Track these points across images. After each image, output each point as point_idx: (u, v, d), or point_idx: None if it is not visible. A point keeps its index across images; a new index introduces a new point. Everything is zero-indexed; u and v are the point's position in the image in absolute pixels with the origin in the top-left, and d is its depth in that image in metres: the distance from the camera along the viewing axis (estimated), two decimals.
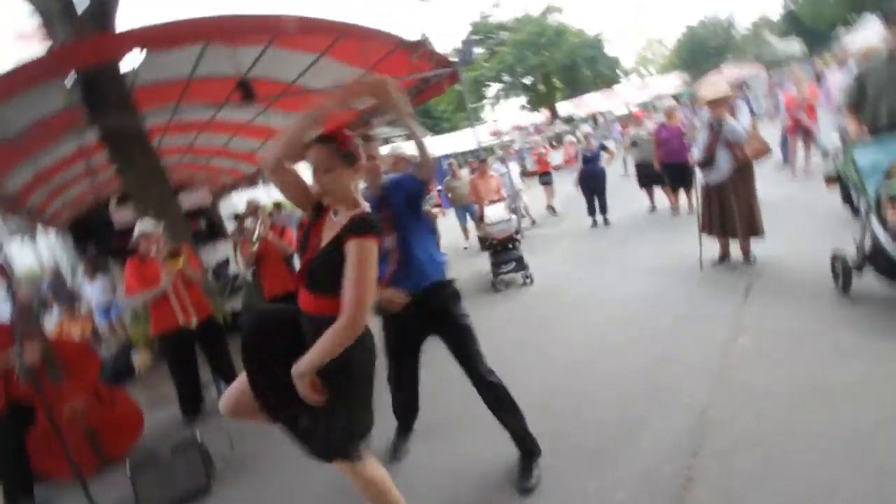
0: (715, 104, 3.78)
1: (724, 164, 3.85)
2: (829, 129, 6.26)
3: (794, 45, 28.73)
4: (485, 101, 25.93)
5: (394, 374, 2.37)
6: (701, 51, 29.05)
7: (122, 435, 3.39)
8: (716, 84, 3.92)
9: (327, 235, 1.58)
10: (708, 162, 3.92)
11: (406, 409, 2.47)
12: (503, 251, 5.18)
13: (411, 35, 6.21)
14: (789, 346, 2.59)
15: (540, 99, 25.70)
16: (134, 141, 5.58)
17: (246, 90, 5.40)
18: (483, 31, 24.95)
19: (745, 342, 2.74)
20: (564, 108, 29.48)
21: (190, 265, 3.74)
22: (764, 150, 3.84)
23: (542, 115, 27.39)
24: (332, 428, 1.51)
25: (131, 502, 2.55)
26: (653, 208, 6.99)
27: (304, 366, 1.44)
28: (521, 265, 5.09)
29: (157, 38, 4.36)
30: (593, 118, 24.15)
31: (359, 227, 1.49)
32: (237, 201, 19.59)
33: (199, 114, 8.41)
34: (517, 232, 5.39)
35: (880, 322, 2.57)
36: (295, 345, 1.53)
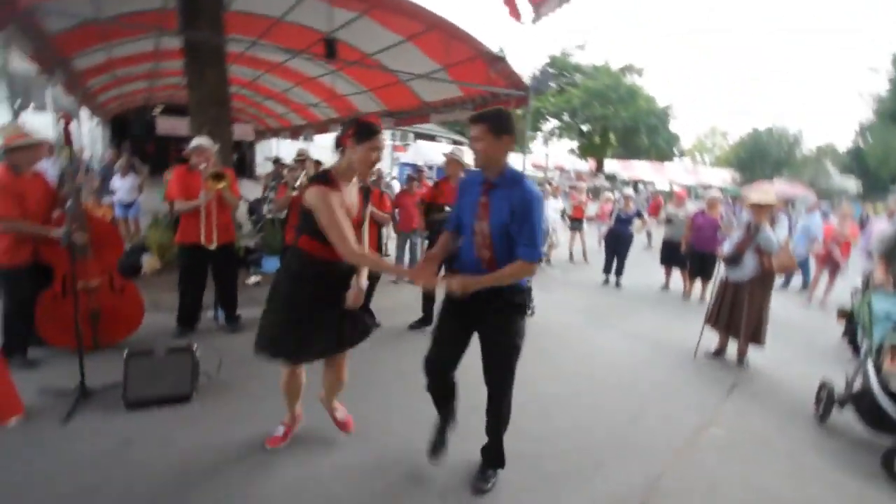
0: (758, 209, 3.92)
1: (749, 265, 3.97)
2: (857, 270, 6.33)
3: (851, 183, 28.71)
4: (538, 133, 26.22)
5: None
6: (760, 157, 29.12)
7: (120, 324, 3.56)
8: (765, 191, 4.05)
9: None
10: (735, 260, 4.05)
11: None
12: None
13: (490, 46, 6.40)
14: (756, 449, 2.70)
15: (591, 149, 25.93)
16: (211, 59, 5.82)
17: (330, 47, 5.61)
18: (559, 67, 25.30)
19: (716, 432, 2.86)
20: (610, 165, 29.75)
21: (230, 190, 3.91)
22: (790, 266, 3.97)
23: (586, 165, 27.64)
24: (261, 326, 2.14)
25: (118, 386, 2.72)
26: (666, 287, 7.09)
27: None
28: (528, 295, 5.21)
29: None
30: (635, 184, 24.33)
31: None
32: (275, 147, 19.98)
33: (272, 55, 8.71)
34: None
35: (845, 457, 2.67)
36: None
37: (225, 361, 3.16)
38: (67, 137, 3.13)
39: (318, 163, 10.20)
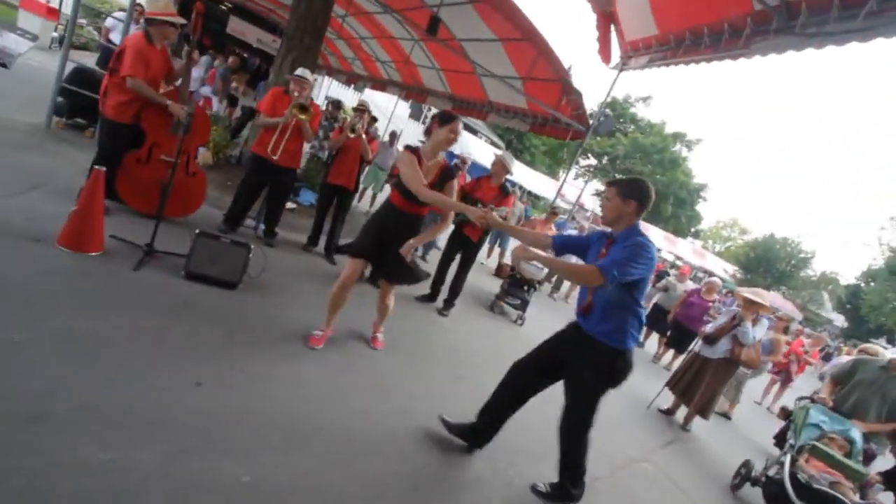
0: (749, 304, 4.42)
1: (721, 348, 4.48)
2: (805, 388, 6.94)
3: (840, 319, 29.57)
4: (574, 168, 26.66)
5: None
6: (766, 263, 29.75)
7: (182, 203, 3.97)
8: (761, 295, 4.55)
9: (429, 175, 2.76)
10: (712, 340, 4.55)
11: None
12: (517, 287, 5.80)
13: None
14: (675, 492, 3.22)
15: None
16: None
17: (433, 24, 5.94)
18: (618, 112, 25.65)
19: (647, 467, 3.37)
20: None
21: (311, 123, 4.30)
22: (755, 362, 4.47)
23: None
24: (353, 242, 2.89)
25: (178, 256, 3.17)
26: (641, 345, 7.62)
27: None
28: (523, 306, 5.71)
29: None
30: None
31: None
32: (326, 86, 20.09)
33: (367, 2, 8.87)
34: (539, 282, 6.00)
35: None
36: None
37: (269, 268, 3.60)
38: (196, 25, 3.49)
39: (373, 118, 10.56)
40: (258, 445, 1.97)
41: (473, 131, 25.77)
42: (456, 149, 18.08)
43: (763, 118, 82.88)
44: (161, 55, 3.55)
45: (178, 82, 3.71)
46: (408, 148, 2.83)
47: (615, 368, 2.23)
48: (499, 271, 8.26)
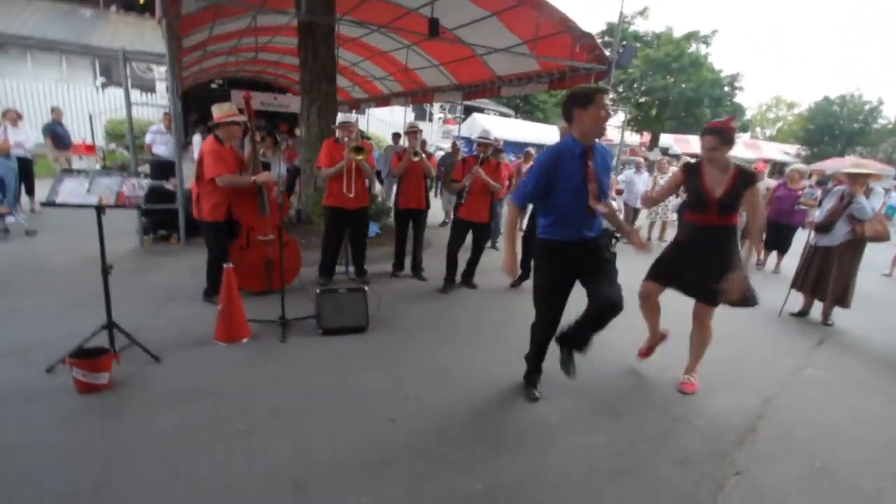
0: (854, 179, 4.15)
1: (839, 232, 4.24)
2: None
3: None
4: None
5: (553, 300, 2.55)
6: (829, 130, 27.17)
7: (285, 272, 4.30)
8: (864, 165, 4.26)
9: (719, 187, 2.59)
10: (826, 228, 4.32)
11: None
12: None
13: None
14: (851, 386, 3.14)
15: (647, 122, 25.12)
16: (326, 39, 6.39)
17: (434, 26, 6.01)
18: (617, 36, 24.38)
19: (812, 372, 3.29)
20: (665, 139, 28.74)
21: (367, 161, 4.51)
22: (883, 234, 4.19)
23: (639, 138, 26.89)
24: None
25: (306, 318, 3.47)
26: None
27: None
28: (614, 259, 5.65)
29: None
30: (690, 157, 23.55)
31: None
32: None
33: (353, 30, 9.04)
34: (616, 232, 5.91)
35: None
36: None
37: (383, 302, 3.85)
38: (250, 112, 3.79)
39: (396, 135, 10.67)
40: (469, 454, 2.16)
41: (479, 110, 25.51)
42: (473, 134, 18.04)
43: None
44: (232, 152, 3.88)
45: (251, 169, 4.02)
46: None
47: (535, 253, 2.58)
48: None
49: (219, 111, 3.68)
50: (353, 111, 19.26)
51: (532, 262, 2.70)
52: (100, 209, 2.71)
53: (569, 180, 2.32)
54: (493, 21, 7.17)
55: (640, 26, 24.79)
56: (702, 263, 2.67)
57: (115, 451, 2.07)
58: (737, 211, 2.61)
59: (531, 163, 7.33)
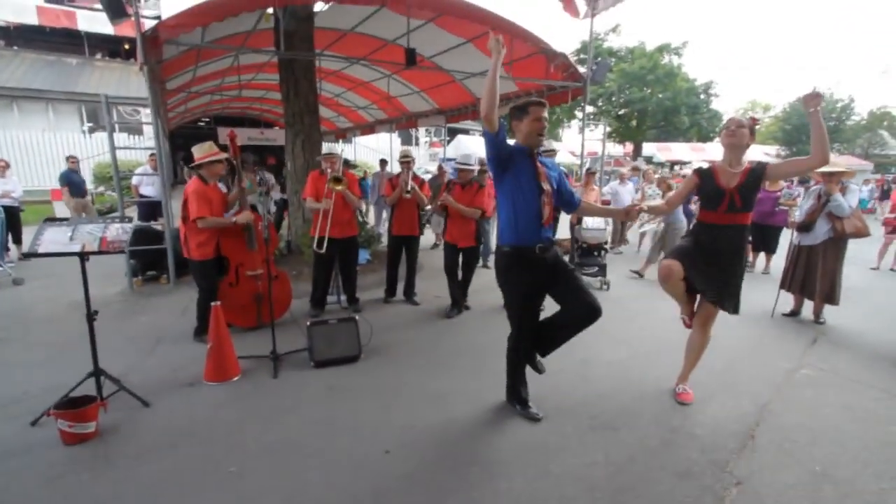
0: (829, 178, 4.25)
1: (820, 231, 4.32)
2: None
3: None
4: (573, 122, 26.22)
5: (527, 315, 2.61)
6: (806, 130, 27.89)
7: (275, 306, 4.26)
8: (835, 163, 4.37)
9: (733, 180, 2.60)
10: (807, 227, 4.40)
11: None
12: (590, 256, 5.80)
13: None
14: (848, 384, 3.13)
15: (628, 133, 25.68)
16: (305, 73, 6.53)
17: (411, 56, 6.17)
18: (593, 53, 25.15)
19: (807, 373, 3.29)
20: (647, 148, 29.32)
21: (351, 190, 4.55)
22: (862, 231, 4.26)
23: (622, 149, 27.40)
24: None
25: (297, 351, 3.43)
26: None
27: None
28: (602, 272, 5.70)
29: None
30: (672, 165, 24.01)
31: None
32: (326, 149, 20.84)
33: (334, 63, 9.29)
34: (606, 242, 5.98)
35: None
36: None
37: (374, 330, 3.83)
38: (235, 150, 3.84)
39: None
40: (465, 481, 2.12)
41: (465, 132, 25.94)
42: (458, 156, 18.25)
43: None
44: (216, 190, 3.91)
45: (237, 206, 4.04)
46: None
47: (499, 266, 2.61)
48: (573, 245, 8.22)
49: (200, 151, 3.72)
50: (340, 140, 19.58)
51: (500, 280, 2.62)
52: (83, 256, 2.70)
53: (524, 174, 2.46)
54: (469, 47, 7.39)
55: (614, 42, 25.61)
56: (719, 264, 2.66)
57: (105, 502, 2.01)
58: (750, 209, 2.62)
59: None
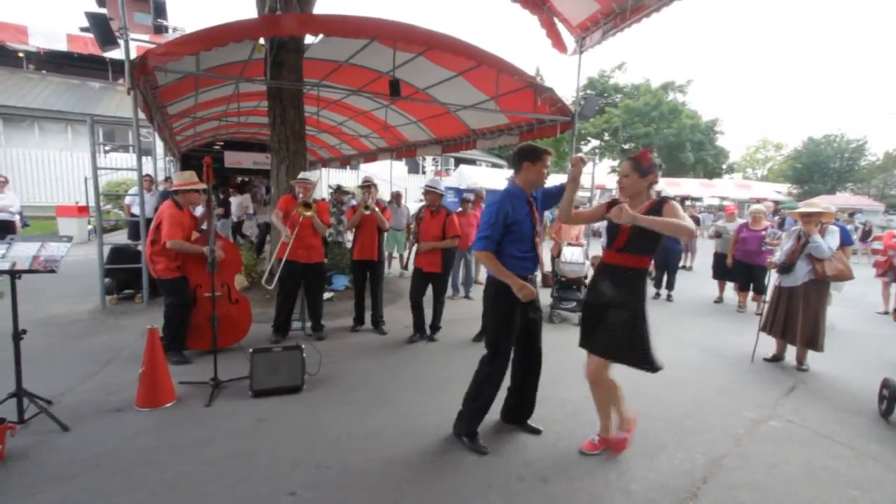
0: (806, 218, 4.09)
1: (800, 272, 4.12)
2: None
3: None
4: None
5: (507, 338, 2.66)
6: (818, 168, 27.62)
7: (233, 331, 4.20)
8: (813, 203, 4.23)
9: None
10: (786, 268, 4.21)
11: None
12: (568, 290, 5.64)
13: (528, 66, 6.83)
14: (815, 439, 2.88)
15: None
16: (292, 102, 6.67)
17: (395, 87, 6.29)
18: (598, 88, 25.57)
19: (774, 424, 3.04)
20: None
21: (321, 218, 4.52)
22: (845, 273, 4.06)
23: None
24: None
25: (242, 379, 3.32)
26: (719, 300, 7.12)
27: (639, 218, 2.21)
28: (580, 306, 5.50)
29: (345, 26, 5.26)
30: (683, 201, 23.83)
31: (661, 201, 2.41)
32: (327, 175, 21.26)
33: (333, 94, 9.57)
34: (586, 277, 5.82)
35: None
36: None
37: (324, 361, 3.70)
38: (209, 175, 3.85)
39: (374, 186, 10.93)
40: None
41: (471, 161, 26.26)
42: (462, 185, 18.35)
43: (739, 29, 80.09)
44: (189, 215, 3.95)
45: (204, 226, 4.05)
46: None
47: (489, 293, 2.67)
48: (544, 281, 8.09)
49: (180, 178, 3.81)
50: (347, 167, 19.90)
51: (487, 306, 2.69)
52: (13, 274, 2.67)
53: (520, 220, 2.58)
54: (460, 80, 7.51)
55: (620, 79, 26.02)
56: (601, 305, 2.45)
57: None
58: (649, 252, 2.41)
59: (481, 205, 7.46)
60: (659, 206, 2.38)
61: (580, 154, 2.70)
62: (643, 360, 2.36)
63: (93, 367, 3.73)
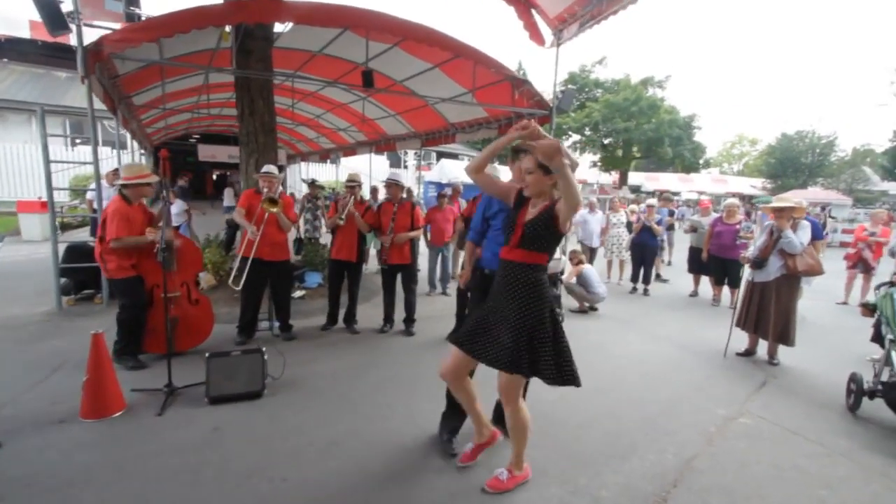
0: (778, 213, 4.09)
1: (773, 267, 4.13)
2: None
3: (893, 185, 27.58)
4: None
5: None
6: (791, 163, 28.34)
7: (193, 333, 3.98)
8: (785, 199, 4.23)
9: (532, 214, 2.14)
10: (759, 263, 4.21)
11: None
12: None
13: (509, 61, 6.72)
14: (786, 435, 2.86)
15: (614, 162, 25.93)
16: (261, 93, 6.40)
17: (367, 78, 6.09)
18: (579, 83, 25.62)
19: (745, 421, 3.02)
20: (635, 177, 29.60)
21: (286, 213, 4.32)
22: (815, 269, 4.07)
23: (609, 178, 27.61)
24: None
25: (199, 385, 3.12)
26: (695, 293, 7.17)
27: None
28: (556, 302, 5.45)
29: (314, 14, 5.04)
30: (660, 194, 24.17)
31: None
32: (305, 170, 20.85)
33: (308, 84, 9.24)
34: (561, 272, 5.76)
35: (876, 441, 2.80)
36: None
37: (287, 364, 3.53)
38: (165, 169, 3.62)
39: (374, 189, 10.67)
40: None
41: (454, 156, 26.09)
42: (444, 179, 18.19)
43: (716, 26, 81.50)
44: (140, 210, 3.70)
45: (161, 223, 3.81)
46: None
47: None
48: None
49: (129, 171, 3.56)
50: (327, 161, 19.54)
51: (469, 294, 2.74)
52: None
53: (499, 214, 2.63)
54: (437, 72, 7.34)
55: (601, 74, 26.13)
56: (499, 311, 2.13)
57: None
58: (547, 248, 2.13)
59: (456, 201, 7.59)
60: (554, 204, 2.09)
61: (531, 119, 2.57)
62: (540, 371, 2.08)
63: (39, 375, 3.49)
